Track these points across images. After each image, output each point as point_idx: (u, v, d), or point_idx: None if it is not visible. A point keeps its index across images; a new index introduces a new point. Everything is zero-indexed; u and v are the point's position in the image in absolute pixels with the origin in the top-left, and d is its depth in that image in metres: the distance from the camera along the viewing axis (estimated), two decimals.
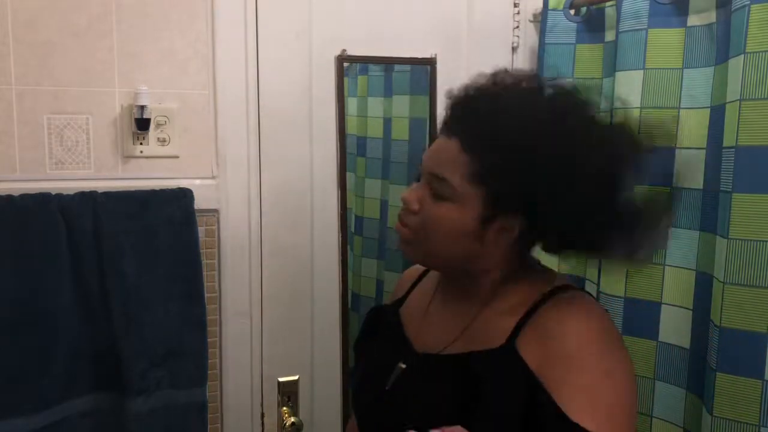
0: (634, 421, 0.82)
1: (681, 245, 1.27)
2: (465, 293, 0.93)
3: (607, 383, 0.79)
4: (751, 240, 1.08)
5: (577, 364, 0.79)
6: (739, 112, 1.09)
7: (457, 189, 0.85)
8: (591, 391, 0.78)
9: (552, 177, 0.81)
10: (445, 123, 0.93)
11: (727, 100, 1.14)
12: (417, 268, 1.11)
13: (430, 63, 1.55)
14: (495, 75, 0.91)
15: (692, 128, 1.25)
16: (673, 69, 1.28)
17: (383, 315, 1.07)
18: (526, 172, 0.82)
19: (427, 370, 0.91)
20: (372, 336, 1.07)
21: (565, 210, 0.82)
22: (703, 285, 1.21)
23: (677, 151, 1.26)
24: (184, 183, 1.35)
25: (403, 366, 0.93)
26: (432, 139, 1.57)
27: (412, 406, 0.89)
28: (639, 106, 1.30)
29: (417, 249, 0.91)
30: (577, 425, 0.75)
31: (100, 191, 1.27)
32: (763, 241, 1.07)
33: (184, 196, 1.33)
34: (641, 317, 1.30)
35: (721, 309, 1.11)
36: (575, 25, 1.49)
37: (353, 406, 1.03)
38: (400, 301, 1.07)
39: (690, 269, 1.26)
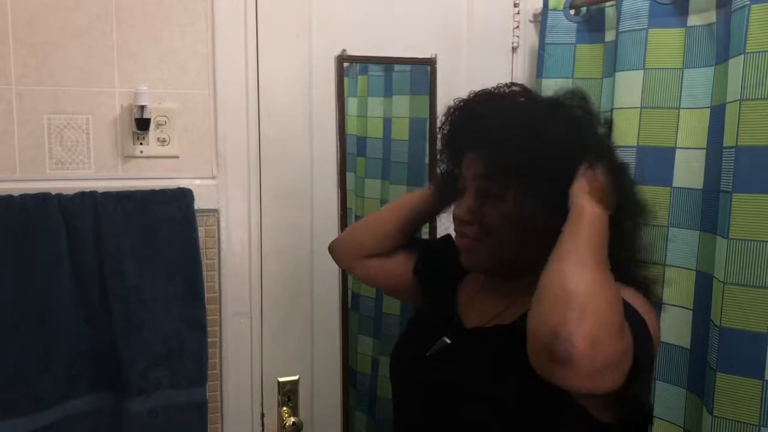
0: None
1: (681, 245, 1.27)
2: (518, 278, 0.95)
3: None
4: (751, 240, 1.08)
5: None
6: (739, 112, 1.09)
7: (502, 183, 0.89)
8: None
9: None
10: (464, 140, 0.97)
11: (727, 100, 1.14)
12: None
13: (430, 63, 1.55)
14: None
15: (692, 128, 1.25)
16: (673, 69, 1.28)
17: (445, 268, 1.09)
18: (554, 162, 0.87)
19: (470, 343, 0.96)
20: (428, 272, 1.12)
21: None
22: (703, 285, 1.21)
23: (677, 151, 1.27)
24: (184, 183, 1.35)
25: (448, 341, 0.97)
26: (432, 138, 1.57)
27: (452, 372, 0.93)
28: (639, 106, 1.30)
29: (481, 256, 0.94)
30: None
31: (100, 191, 1.27)
32: (763, 241, 1.07)
33: (184, 196, 1.33)
34: None
35: (721, 309, 1.11)
36: (575, 25, 1.49)
37: (392, 365, 1.07)
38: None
39: (690, 269, 1.26)
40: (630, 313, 0.79)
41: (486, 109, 0.93)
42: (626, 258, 0.90)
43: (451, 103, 0.98)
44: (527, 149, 0.86)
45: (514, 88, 0.96)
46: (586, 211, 0.82)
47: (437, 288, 1.09)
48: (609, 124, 0.95)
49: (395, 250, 1.16)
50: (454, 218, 0.96)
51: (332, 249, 1.24)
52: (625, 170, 0.93)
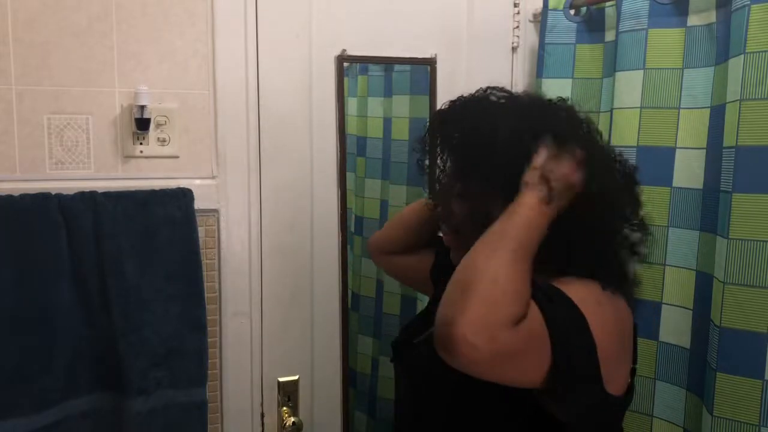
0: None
1: (681, 245, 1.27)
2: None
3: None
4: (751, 240, 1.08)
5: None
6: (739, 112, 1.09)
7: (460, 184, 0.94)
8: None
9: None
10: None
11: (727, 100, 1.14)
12: None
13: (430, 63, 1.55)
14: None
15: (692, 128, 1.25)
16: (673, 69, 1.28)
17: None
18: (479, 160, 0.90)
19: None
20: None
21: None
22: (703, 285, 1.21)
23: (677, 151, 1.27)
24: (184, 183, 1.35)
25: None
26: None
27: (420, 360, 0.96)
28: (639, 106, 1.30)
29: (462, 248, 0.95)
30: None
31: (100, 191, 1.27)
32: (763, 241, 1.07)
33: (184, 196, 1.33)
34: (641, 317, 1.30)
35: (721, 309, 1.11)
36: (575, 25, 1.49)
37: (392, 347, 1.11)
38: None
39: (690, 269, 1.26)
40: (563, 308, 0.78)
41: (447, 115, 0.96)
42: (599, 252, 0.89)
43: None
44: (471, 149, 0.90)
45: (491, 92, 0.96)
46: (518, 201, 0.83)
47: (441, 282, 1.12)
48: (589, 121, 0.95)
49: (420, 249, 1.22)
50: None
51: (367, 245, 1.34)
52: (609, 165, 0.92)
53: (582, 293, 0.83)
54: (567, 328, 0.78)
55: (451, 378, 0.89)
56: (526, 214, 0.82)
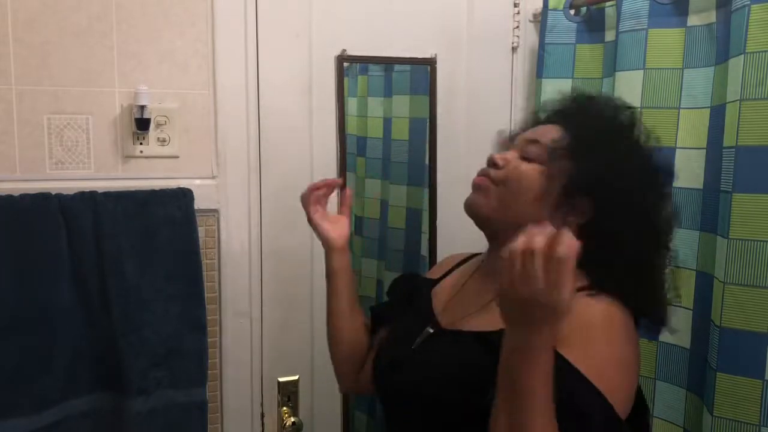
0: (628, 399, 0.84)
1: (681, 245, 1.26)
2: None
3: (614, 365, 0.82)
4: (751, 240, 1.08)
5: (593, 335, 0.82)
6: (739, 112, 1.09)
7: (548, 152, 0.92)
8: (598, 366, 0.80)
9: (626, 178, 0.90)
10: (547, 116, 1.02)
11: (727, 100, 1.14)
12: (460, 254, 1.15)
13: (430, 63, 1.55)
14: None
15: (692, 128, 1.25)
16: (673, 69, 1.28)
17: (417, 284, 1.12)
18: (608, 161, 0.90)
19: (449, 340, 0.95)
20: (396, 302, 1.14)
21: (628, 213, 0.89)
22: (704, 285, 1.21)
23: (677, 151, 1.26)
24: (184, 183, 1.35)
25: (431, 331, 0.98)
26: (432, 138, 1.57)
27: (432, 369, 0.93)
28: (639, 106, 1.30)
29: (490, 197, 0.95)
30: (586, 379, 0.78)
31: (100, 191, 1.26)
32: (763, 241, 1.07)
33: (184, 196, 1.33)
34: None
35: (722, 309, 1.11)
36: (575, 25, 1.49)
37: (373, 366, 1.08)
38: (435, 282, 1.11)
39: (690, 269, 1.26)
40: (587, 405, 0.77)
41: (590, 105, 1.00)
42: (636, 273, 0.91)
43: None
44: (599, 144, 0.91)
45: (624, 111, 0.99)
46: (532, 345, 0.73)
47: (413, 298, 1.10)
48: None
49: (369, 341, 1.18)
50: (487, 161, 0.98)
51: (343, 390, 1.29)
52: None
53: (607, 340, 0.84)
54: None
55: (443, 398, 0.89)
56: (544, 362, 0.73)
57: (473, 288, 1.02)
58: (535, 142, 0.95)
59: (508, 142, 1.02)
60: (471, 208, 0.98)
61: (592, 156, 0.90)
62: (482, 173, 0.98)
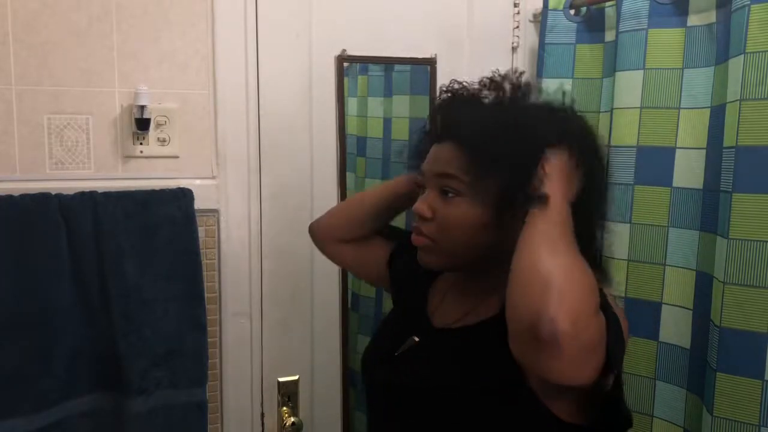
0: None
1: (681, 245, 1.27)
2: (485, 275, 0.94)
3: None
4: (751, 240, 1.08)
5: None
6: (739, 112, 1.09)
7: (466, 181, 0.87)
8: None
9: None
10: (434, 132, 0.96)
11: (727, 100, 1.14)
12: None
13: (430, 63, 1.55)
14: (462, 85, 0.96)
15: (692, 128, 1.25)
16: (673, 69, 1.27)
17: (418, 274, 1.08)
18: (519, 158, 0.85)
19: (438, 343, 0.95)
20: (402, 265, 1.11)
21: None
22: (703, 285, 1.21)
23: (677, 151, 1.27)
24: (184, 183, 1.35)
25: (417, 339, 0.97)
26: None
27: (417, 373, 0.93)
28: (639, 106, 1.30)
29: (439, 255, 0.92)
30: None
31: (100, 191, 1.27)
32: (763, 241, 1.07)
33: (184, 196, 1.33)
34: (641, 317, 1.30)
35: (721, 309, 1.11)
36: (575, 25, 1.49)
37: (362, 363, 1.07)
38: (434, 276, 1.08)
39: (690, 269, 1.26)
40: (604, 305, 0.79)
41: (467, 106, 0.93)
42: (588, 245, 0.89)
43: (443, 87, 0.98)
44: (504, 145, 0.86)
45: (505, 82, 0.93)
46: (554, 198, 0.81)
47: (409, 285, 1.09)
48: (572, 107, 0.93)
49: (371, 237, 1.16)
50: (414, 214, 0.94)
51: (310, 230, 1.23)
52: (596, 153, 0.91)
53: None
54: (610, 320, 0.78)
55: (437, 393, 0.88)
56: (564, 210, 0.81)
57: (464, 287, 1.00)
58: (445, 175, 0.89)
59: (420, 178, 0.96)
60: (428, 267, 0.96)
61: (502, 163, 0.85)
62: (416, 231, 0.93)
